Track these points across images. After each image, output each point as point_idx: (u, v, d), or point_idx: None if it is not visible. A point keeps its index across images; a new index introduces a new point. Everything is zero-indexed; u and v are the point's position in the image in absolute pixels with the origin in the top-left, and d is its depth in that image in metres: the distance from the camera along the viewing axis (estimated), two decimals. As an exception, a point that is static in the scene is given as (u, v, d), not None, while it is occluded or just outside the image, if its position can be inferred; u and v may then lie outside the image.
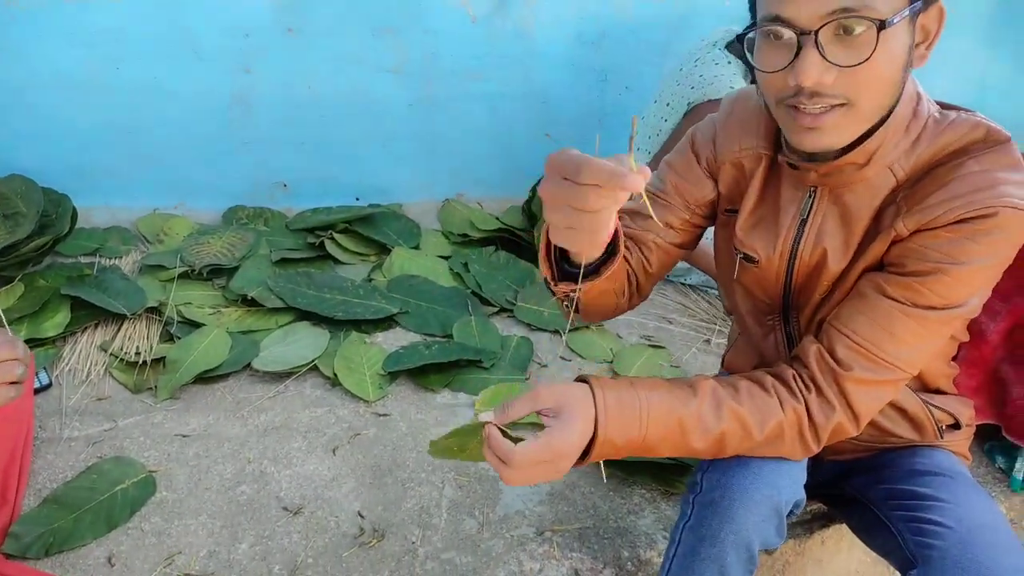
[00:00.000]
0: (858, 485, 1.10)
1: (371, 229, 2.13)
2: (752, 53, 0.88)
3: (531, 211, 2.24)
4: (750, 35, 0.87)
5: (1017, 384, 1.45)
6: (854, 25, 0.78)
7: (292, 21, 2.11)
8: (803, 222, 0.97)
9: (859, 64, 0.79)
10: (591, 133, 2.56)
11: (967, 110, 0.93)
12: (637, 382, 0.89)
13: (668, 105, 2.05)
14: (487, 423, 0.84)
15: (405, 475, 1.36)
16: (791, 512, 0.96)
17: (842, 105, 0.83)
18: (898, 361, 0.89)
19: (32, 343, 1.56)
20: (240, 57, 2.11)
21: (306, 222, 2.14)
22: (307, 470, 1.35)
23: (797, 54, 0.81)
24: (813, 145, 0.87)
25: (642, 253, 1.07)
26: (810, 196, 0.96)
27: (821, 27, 0.79)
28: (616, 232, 0.86)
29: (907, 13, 0.79)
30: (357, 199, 2.35)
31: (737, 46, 1.96)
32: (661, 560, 1.20)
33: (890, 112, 0.87)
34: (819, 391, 0.91)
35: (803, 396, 0.90)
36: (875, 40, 0.78)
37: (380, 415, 1.50)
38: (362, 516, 1.26)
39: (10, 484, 1.18)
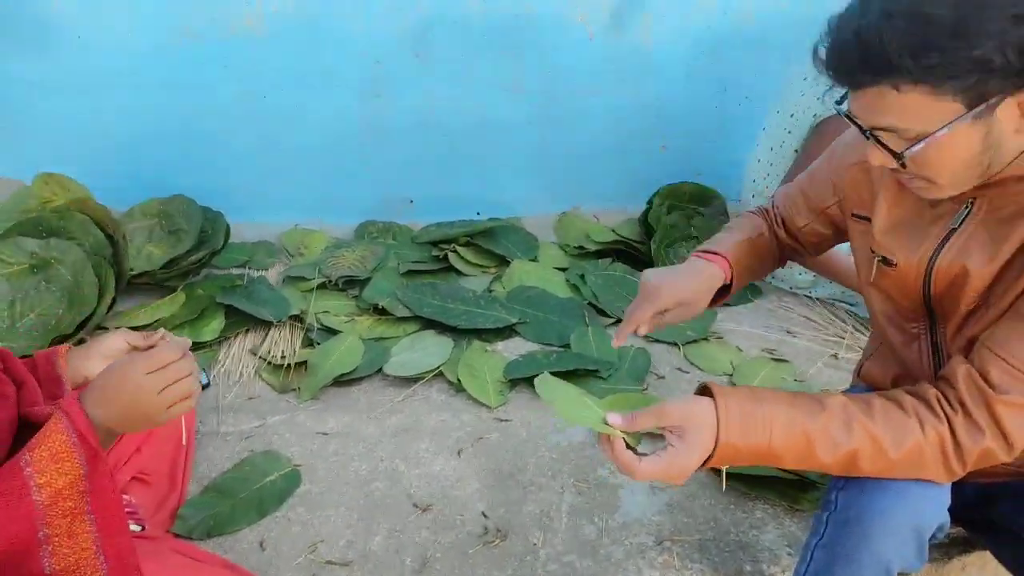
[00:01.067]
0: (1007, 513, 1.05)
1: (491, 242, 2.21)
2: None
3: (647, 223, 2.25)
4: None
5: None
6: (890, 141, 0.83)
7: (419, 46, 2.24)
8: (952, 231, 0.94)
9: (903, 167, 0.84)
10: (707, 143, 2.54)
11: None
12: (761, 392, 0.90)
13: (792, 116, 2.00)
14: (610, 425, 0.89)
15: (526, 479, 1.41)
16: (934, 535, 0.93)
17: (926, 181, 0.86)
18: None
19: (193, 347, 1.72)
20: (371, 83, 2.26)
21: (431, 236, 2.25)
22: (434, 470, 1.43)
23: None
24: (928, 197, 0.91)
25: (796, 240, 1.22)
26: (967, 208, 0.93)
27: (871, 131, 0.84)
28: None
29: (963, 120, 0.79)
30: (478, 213, 2.44)
31: None
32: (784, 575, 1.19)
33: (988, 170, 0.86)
34: (966, 413, 0.87)
35: (947, 417, 0.87)
36: (910, 154, 0.82)
37: (501, 420, 1.56)
38: (486, 516, 1.32)
39: (177, 472, 1.32)
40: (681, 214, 2.23)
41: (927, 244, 0.96)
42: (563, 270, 2.16)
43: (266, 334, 1.80)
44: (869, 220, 1.04)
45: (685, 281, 1.13)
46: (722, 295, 1.19)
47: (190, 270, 1.96)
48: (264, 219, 2.33)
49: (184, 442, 1.31)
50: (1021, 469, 1.04)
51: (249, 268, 2.09)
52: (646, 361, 1.75)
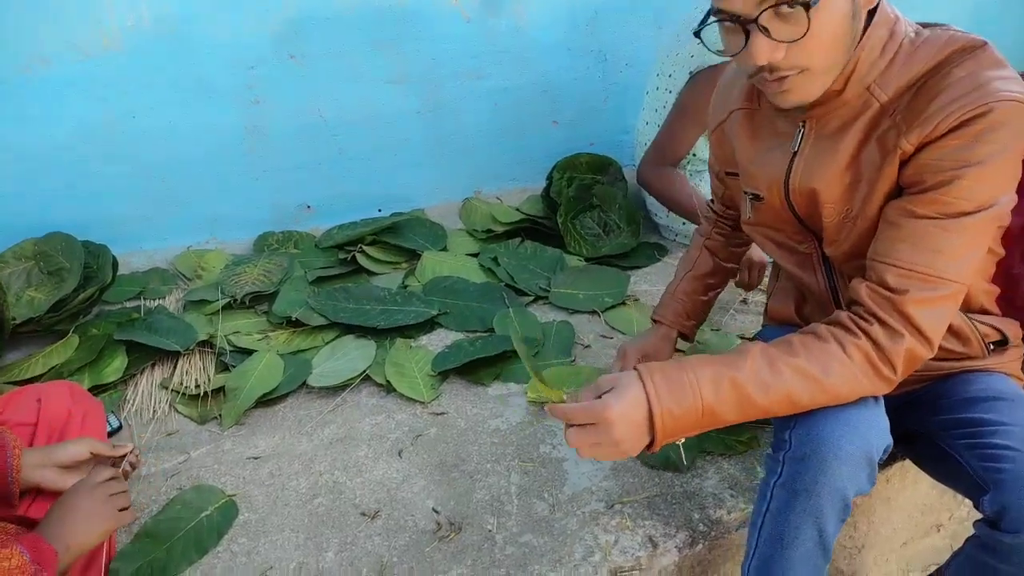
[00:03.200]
0: (917, 419, 1.12)
1: (398, 237, 2.18)
2: (713, 41, 0.99)
3: (550, 198, 2.28)
4: (708, 25, 0.96)
5: None
6: (785, 7, 0.86)
7: (293, 48, 2.16)
8: (795, 154, 1.04)
9: (800, 39, 0.88)
10: (597, 114, 2.59)
11: (942, 25, 0.97)
12: (683, 360, 0.94)
13: (671, 76, 2.07)
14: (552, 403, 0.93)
15: (471, 468, 1.40)
16: (880, 457, 0.97)
17: (800, 71, 0.92)
18: (949, 274, 0.91)
19: (96, 390, 1.62)
20: (248, 90, 2.16)
21: (334, 239, 2.19)
22: (377, 475, 1.40)
23: (747, 40, 0.90)
24: (788, 104, 0.97)
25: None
26: (800, 129, 1.03)
27: (759, 14, 0.87)
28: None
29: None
30: (379, 210, 2.40)
31: None
32: (731, 517, 1.24)
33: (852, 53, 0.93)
34: (881, 321, 0.92)
35: (864, 331, 0.93)
36: (807, 18, 0.86)
37: (437, 414, 1.55)
38: (437, 512, 1.31)
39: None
40: (581, 185, 2.27)
41: (777, 171, 1.06)
42: (475, 255, 2.15)
43: (175, 365, 1.71)
44: (736, 175, 1.18)
45: (647, 344, 1.45)
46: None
47: (80, 310, 1.83)
48: (153, 245, 2.20)
49: None
50: (921, 373, 1.12)
51: (145, 299, 1.97)
52: (570, 333, 1.78)
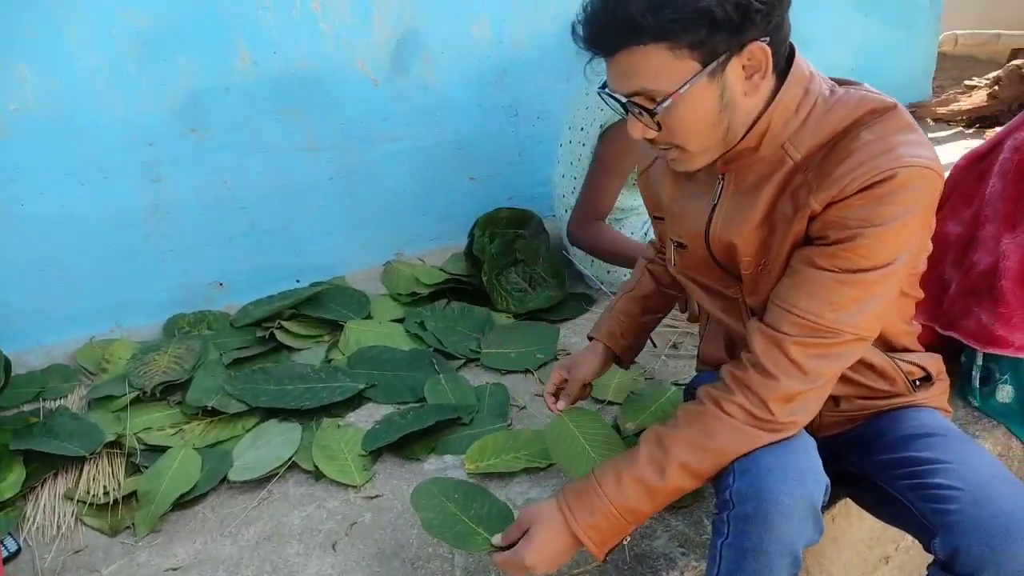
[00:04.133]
0: (854, 461, 1.13)
1: (318, 309, 2.09)
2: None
3: (473, 255, 2.25)
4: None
5: (955, 278, 1.51)
6: (644, 104, 0.93)
7: (193, 121, 2.08)
8: (715, 207, 1.06)
9: (658, 131, 0.95)
10: (512, 168, 2.60)
11: (856, 84, 1.00)
12: (594, 469, 1.03)
13: (583, 130, 2.09)
14: (493, 544, 1.08)
15: (411, 555, 1.32)
16: (822, 502, 0.97)
17: (678, 147, 0.98)
18: (839, 324, 0.94)
19: (-11, 510, 1.46)
20: (147, 168, 2.06)
21: (251, 316, 2.09)
22: (310, 574, 1.30)
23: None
24: (680, 168, 1.03)
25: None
26: (719, 182, 1.05)
27: (628, 101, 0.94)
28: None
29: (699, 78, 0.90)
30: (298, 281, 2.31)
31: None
32: (685, 577, 1.20)
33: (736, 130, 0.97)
34: (757, 365, 0.96)
35: (741, 381, 0.97)
36: (661, 112, 0.92)
37: (371, 497, 1.46)
38: (378, 608, 1.22)
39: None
40: (503, 240, 2.25)
41: (698, 222, 1.08)
42: (400, 321, 2.09)
43: (80, 472, 1.56)
44: (661, 219, 1.20)
45: (576, 357, 1.40)
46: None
47: (-32, 420, 1.66)
48: (52, 340, 2.04)
49: None
50: (850, 413, 1.13)
51: (44, 400, 1.82)
52: (504, 395, 1.73)
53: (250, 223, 2.23)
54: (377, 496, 1.47)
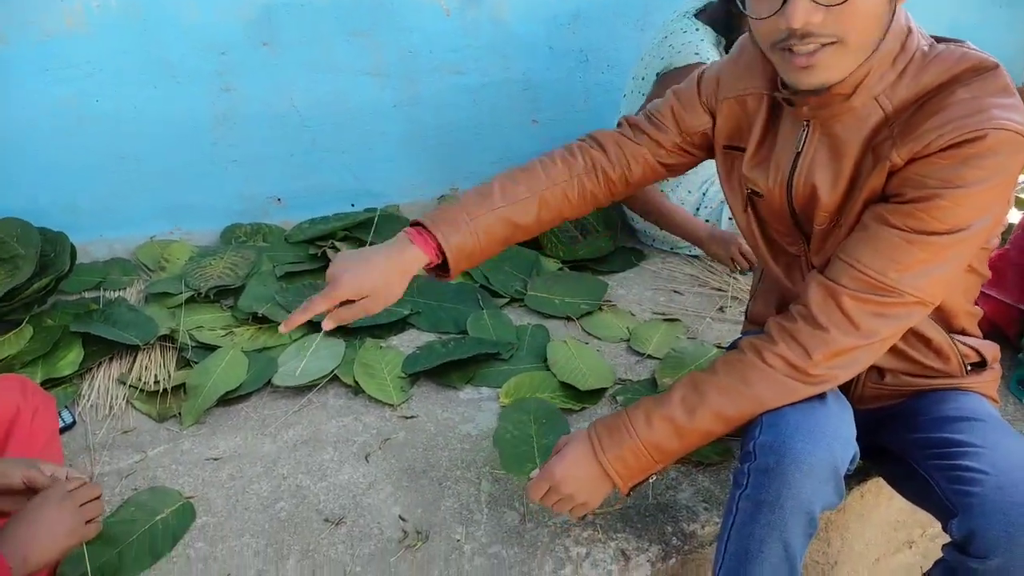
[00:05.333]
0: (890, 436, 1.12)
1: (371, 234, 2.12)
2: (744, 3, 0.93)
3: (527, 199, 2.24)
4: None
5: None
6: None
7: (266, 35, 2.09)
8: (798, 155, 1.01)
9: (841, 3, 0.84)
10: (576, 115, 2.56)
11: (958, 41, 0.95)
12: (627, 406, 1.05)
13: (643, 79, 2.05)
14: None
15: (440, 474, 1.36)
16: (847, 468, 0.97)
17: (832, 43, 0.87)
18: (902, 285, 0.91)
19: (49, 383, 1.54)
20: (218, 77, 2.09)
21: (304, 234, 2.13)
22: (342, 480, 1.35)
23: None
24: (809, 83, 0.92)
25: (628, 165, 1.15)
26: (804, 130, 1.00)
27: None
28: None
29: None
30: (352, 205, 2.34)
31: (707, 13, 1.96)
32: (705, 531, 1.22)
33: (878, 44, 0.90)
34: (808, 319, 0.94)
35: (788, 333, 0.95)
36: None
37: (407, 418, 1.51)
38: (404, 519, 1.27)
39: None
40: (559, 187, 2.23)
41: (781, 169, 1.04)
42: (448, 255, 2.10)
43: (134, 360, 1.64)
44: (741, 150, 1.11)
45: (373, 268, 1.03)
46: (443, 269, 1.10)
47: (35, 300, 1.74)
48: (115, 235, 2.11)
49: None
50: (897, 388, 1.11)
51: (104, 290, 1.90)
52: (544, 337, 1.74)
53: (312, 142, 2.25)
54: (412, 417, 1.51)
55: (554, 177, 1.13)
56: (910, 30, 0.94)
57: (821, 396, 0.97)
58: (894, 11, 0.89)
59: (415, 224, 1.09)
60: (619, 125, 1.20)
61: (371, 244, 2.06)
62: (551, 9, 2.39)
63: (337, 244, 2.07)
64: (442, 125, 2.39)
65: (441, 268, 1.10)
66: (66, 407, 1.49)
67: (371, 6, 2.16)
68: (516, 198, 1.10)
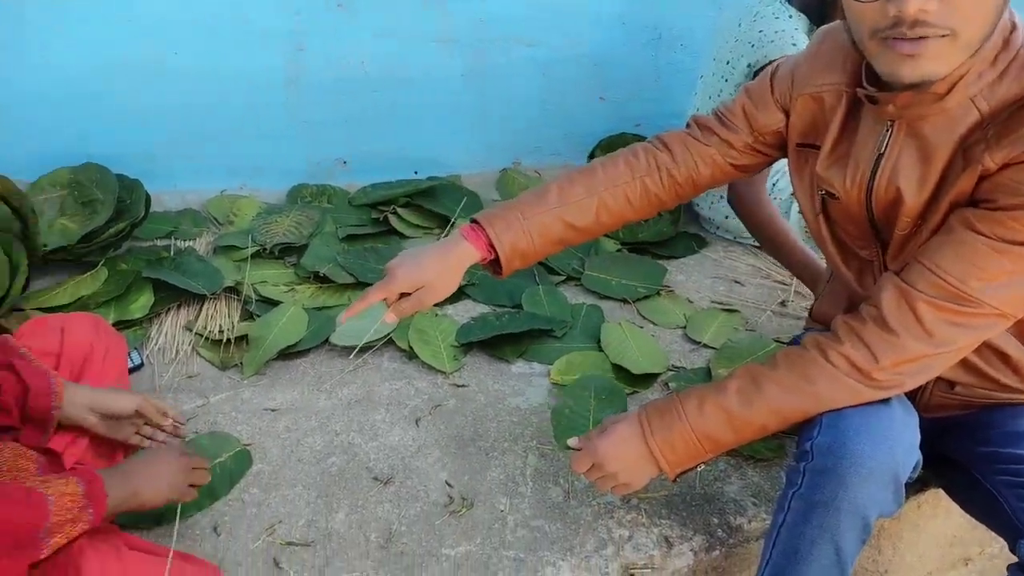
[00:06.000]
0: (956, 446, 1.08)
1: (432, 202, 2.14)
2: None
3: (590, 177, 2.22)
4: None
5: None
6: None
7: (341, -4, 2.11)
8: (880, 156, 0.96)
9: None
10: (646, 94, 2.52)
11: None
12: (678, 392, 1.03)
13: (728, 63, 1.99)
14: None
15: (488, 444, 1.38)
16: (908, 476, 0.94)
17: (943, 36, 0.81)
18: (984, 296, 0.87)
19: (120, 325, 1.61)
20: (292, 36, 2.12)
21: (368, 198, 2.16)
22: (392, 441, 1.38)
23: None
24: (911, 75, 0.85)
25: (696, 166, 1.13)
26: (887, 130, 0.95)
27: None
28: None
29: None
30: (416, 172, 2.36)
31: None
32: (752, 526, 1.21)
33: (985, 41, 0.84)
34: (878, 321, 0.91)
35: (848, 335, 0.92)
36: None
37: (458, 386, 1.53)
38: (450, 485, 1.29)
39: (118, 460, 1.23)
40: (623, 167, 2.21)
41: (861, 171, 0.99)
42: (507, 228, 2.11)
43: (200, 308, 1.70)
44: (816, 148, 1.06)
45: (427, 262, 1.07)
46: (497, 266, 1.11)
47: (110, 243, 1.81)
48: (187, 186, 2.17)
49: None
50: (967, 399, 1.07)
51: (175, 239, 1.96)
52: (599, 318, 1.74)
53: (380, 107, 2.27)
54: (463, 386, 1.53)
55: (615, 178, 1.11)
56: (1015, 26, 0.89)
57: (885, 399, 0.94)
58: (1006, 4, 0.84)
59: (472, 221, 1.11)
60: (688, 126, 1.17)
61: (431, 212, 2.10)
62: (628, -16, 2.35)
63: (399, 210, 2.09)
64: (509, 97, 2.38)
65: (496, 264, 1.11)
66: (135, 348, 1.55)
67: (446, -27, 2.16)
68: (573, 199, 1.10)
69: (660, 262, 1.99)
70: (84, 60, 1.97)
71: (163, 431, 1.20)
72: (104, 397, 1.12)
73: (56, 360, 1.21)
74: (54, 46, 1.94)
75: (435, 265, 1.07)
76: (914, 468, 0.94)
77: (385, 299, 1.10)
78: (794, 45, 1.78)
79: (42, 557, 0.89)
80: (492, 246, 1.08)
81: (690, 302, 1.83)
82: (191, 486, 1.11)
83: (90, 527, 0.94)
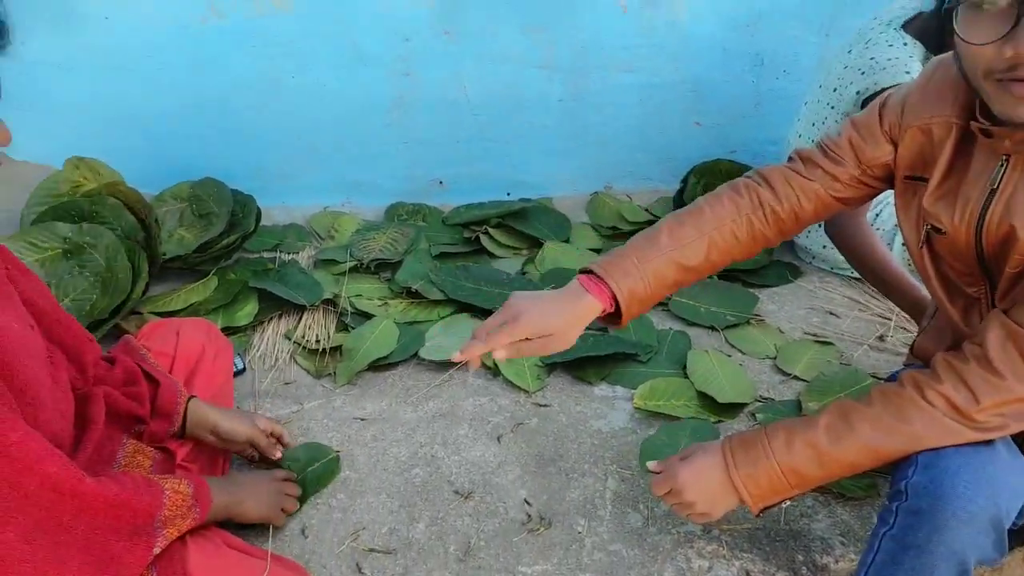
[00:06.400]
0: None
1: (523, 223, 2.17)
2: (956, 24, 0.84)
3: (682, 201, 2.20)
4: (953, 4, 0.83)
5: None
6: None
7: (448, 24, 2.19)
8: (993, 192, 0.92)
9: None
10: (744, 120, 2.48)
11: None
12: (766, 426, 1.01)
13: (835, 91, 1.93)
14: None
15: (568, 465, 1.38)
16: (1014, 522, 0.90)
17: None
18: None
19: (227, 331, 1.71)
20: (401, 62, 2.22)
21: (461, 217, 2.22)
22: (474, 456, 1.41)
23: (1017, 23, 0.76)
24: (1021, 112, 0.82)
25: (799, 201, 1.09)
26: (1002, 165, 0.91)
27: None
28: None
29: None
30: (508, 194, 2.41)
31: (915, 25, 1.80)
32: (839, 566, 1.17)
33: None
34: (982, 361, 0.87)
35: (949, 373, 0.89)
36: None
37: (540, 405, 1.54)
38: (528, 503, 1.30)
39: (217, 459, 1.31)
40: (717, 193, 2.18)
41: (971, 207, 0.95)
42: (597, 251, 2.12)
43: (299, 318, 1.79)
44: (924, 181, 1.02)
45: (554, 312, 1.02)
46: (616, 317, 1.07)
47: (222, 254, 1.94)
48: (293, 202, 2.30)
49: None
50: None
51: (280, 252, 2.08)
52: (685, 344, 1.72)
53: (478, 130, 2.34)
54: (546, 405, 1.54)
55: (721, 216, 1.08)
56: None
57: (989, 440, 0.90)
58: None
59: (584, 271, 1.07)
60: (789, 159, 1.14)
61: (522, 233, 2.13)
62: (731, 10, 2.32)
63: (490, 230, 2.14)
64: (604, 122, 2.40)
65: (614, 314, 1.07)
66: (239, 354, 1.65)
67: (550, 1, 2.20)
68: (684, 240, 1.07)
69: (751, 290, 1.95)
70: (208, 80, 2.13)
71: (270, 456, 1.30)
72: (226, 424, 1.23)
73: (171, 360, 1.31)
74: (179, 68, 2.11)
75: (562, 316, 1.03)
76: (1020, 515, 0.88)
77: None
78: (907, 73, 1.70)
79: (156, 550, 0.95)
80: (614, 297, 1.05)
81: (781, 332, 1.78)
82: (282, 510, 1.23)
83: (196, 524, 1.02)
